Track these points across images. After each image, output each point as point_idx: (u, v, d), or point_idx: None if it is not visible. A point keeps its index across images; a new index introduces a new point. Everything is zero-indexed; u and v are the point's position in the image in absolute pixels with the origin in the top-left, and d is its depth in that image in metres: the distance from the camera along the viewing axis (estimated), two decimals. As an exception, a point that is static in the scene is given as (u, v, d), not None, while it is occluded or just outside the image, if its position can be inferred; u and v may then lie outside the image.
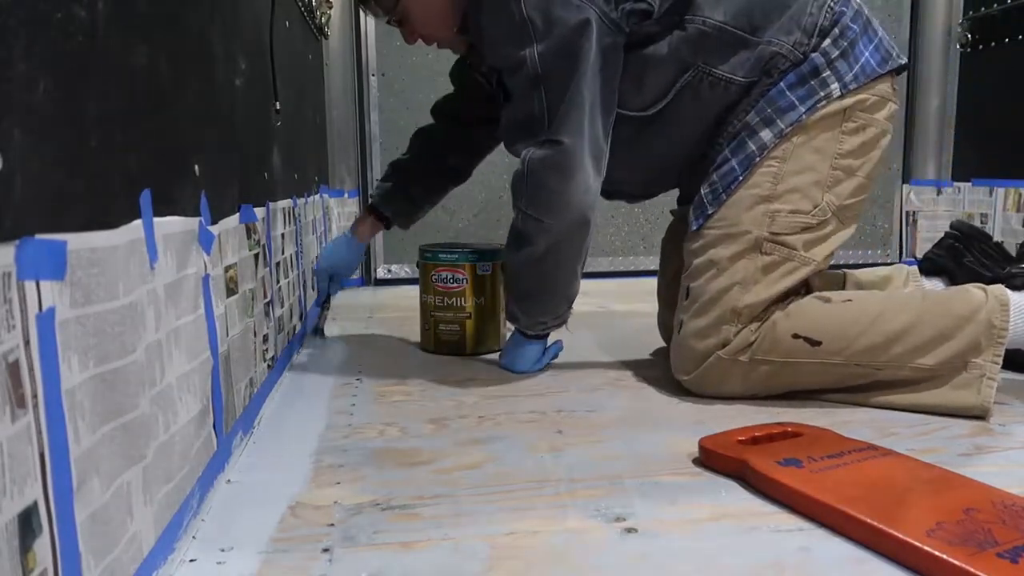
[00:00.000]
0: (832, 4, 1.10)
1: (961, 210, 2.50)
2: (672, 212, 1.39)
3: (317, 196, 1.82)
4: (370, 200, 1.53)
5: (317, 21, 1.93)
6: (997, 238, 2.32)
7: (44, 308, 0.44)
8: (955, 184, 2.52)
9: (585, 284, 1.37)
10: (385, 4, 1.21)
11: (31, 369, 0.42)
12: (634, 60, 1.13)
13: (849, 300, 1.06)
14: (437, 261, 1.38)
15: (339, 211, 2.25)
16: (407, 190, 1.49)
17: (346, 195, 2.27)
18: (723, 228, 1.10)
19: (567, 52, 1.07)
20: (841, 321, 1.04)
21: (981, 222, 2.41)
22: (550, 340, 1.30)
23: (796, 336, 1.04)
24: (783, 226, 1.08)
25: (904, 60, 1.13)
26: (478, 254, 1.37)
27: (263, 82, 1.16)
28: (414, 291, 1.47)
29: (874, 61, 1.09)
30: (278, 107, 1.25)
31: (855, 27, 1.09)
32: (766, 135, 1.09)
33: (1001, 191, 2.32)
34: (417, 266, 1.43)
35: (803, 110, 1.08)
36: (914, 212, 2.57)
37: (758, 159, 1.09)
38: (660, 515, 0.73)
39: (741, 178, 1.10)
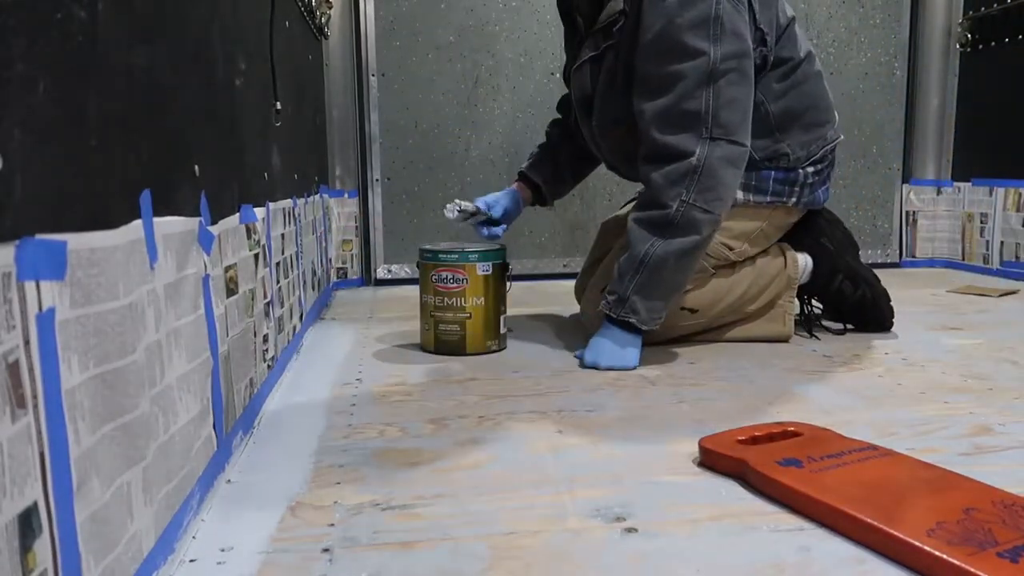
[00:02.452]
0: (828, 151, 1.45)
1: (961, 209, 2.50)
2: (629, 203, 1.64)
3: (317, 196, 1.82)
4: (521, 170, 1.60)
5: (317, 21, 1.93)
6: (997, 238, 2.32)
7: (44, 308, 0.44)
8: (955, 184, 2.52)
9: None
10: None
11: (31, 369, 0.42)
12: None
13: (714, 275, 1.41)
14: (437, 261, 1.38)
15: (339, 211, 2.25)
16: (555, 159, 1.58)
17: (346, 195, 2.27)
18: None
19: (740, 64, 1.25)
20: (711, 294, 1.41)
21: (981, 222, 2.41)
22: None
23: (683, 308, 1.39)
24: (712, 250, 1.37)
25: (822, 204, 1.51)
26: (478, 254, 1.37)
27: (263, 82, 1.16)
28: (414, 291, 1.47)
29: (820, 199, 1.48)
30: (278, 107, 1.25)
31: (826, 172, 1.47)
32: (740, 196, 1.37)
33: (1001, 191, 2.32)
34: (417, 266, 1.43)
35: (769, 199, 1.42)
36: (914, 212, 2.57)
37: None
38: (660, 515, 0.73)
39: None
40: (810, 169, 1.42)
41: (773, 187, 1.41)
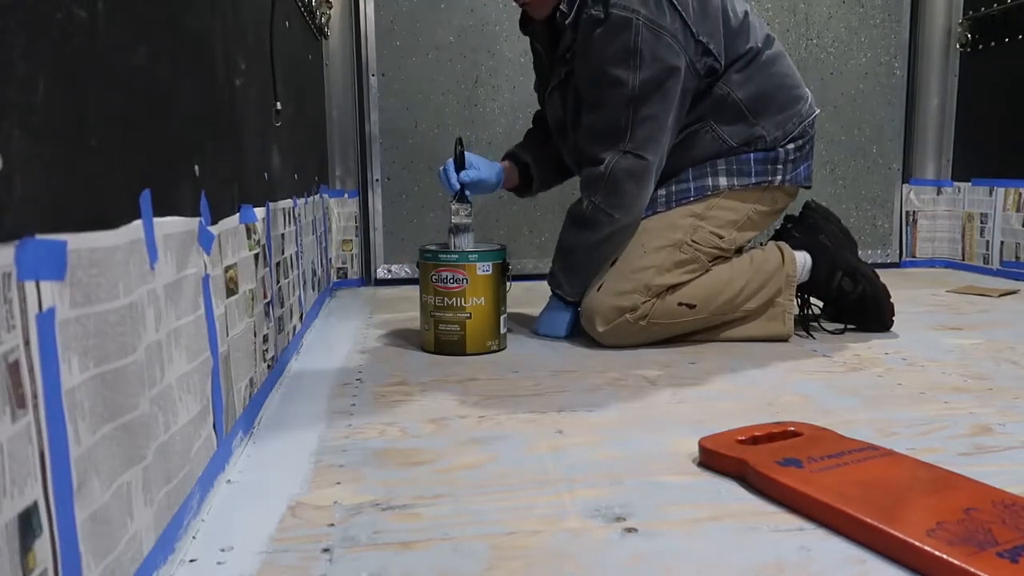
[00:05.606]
0: (807, 126, 1.50)
1: (961, 209, 2.50)
2: None
3: (317, 196, 1.82)
4: (508, 152, 1.67)
5: (317, 21, 1.92)
6: (997, 238, 2.33)
7: (44, 308, 0.44)
8: (955, 184, 2.52)
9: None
10: None
11: (31, 369, 0.42)
12: None
13: (710, 270, 1.44)
14: (437, 261, 1.38)
15: (339, 211, 2.25)
16: (543, 144, 1.63)
17: (346, 195, 2.27)
18: (659, 225, 1.44)
19: (661, 86, 1.37)
20: (706, 289, 1.43)
21: (981, 222, 2.41)
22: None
23: (680, 304, 1.42)
24: (701, 239, 1.44)
25: (809, 185, 1.54)
26: (478, 254, 1.38)
27: (263, 82, 1.16)
28: (414, 291, 1.47)
29: (803, 175, 1.52)
30: (278, 107, 1.25)
31: (807, 147, 1.51)
32: (723, 182, 1.46)
33: (1001, 191, 2.32)
34: (417, 266, 1.44)
35: (754, 180, 1.47)
36: (914, 212, 2.57)
37: (709, 194, 1.46)
38: (660, 515, 0.73)
39: (692, 200, 1.45)
40: (790, 146, 1.47)
41: (755, 168, 1.46)
